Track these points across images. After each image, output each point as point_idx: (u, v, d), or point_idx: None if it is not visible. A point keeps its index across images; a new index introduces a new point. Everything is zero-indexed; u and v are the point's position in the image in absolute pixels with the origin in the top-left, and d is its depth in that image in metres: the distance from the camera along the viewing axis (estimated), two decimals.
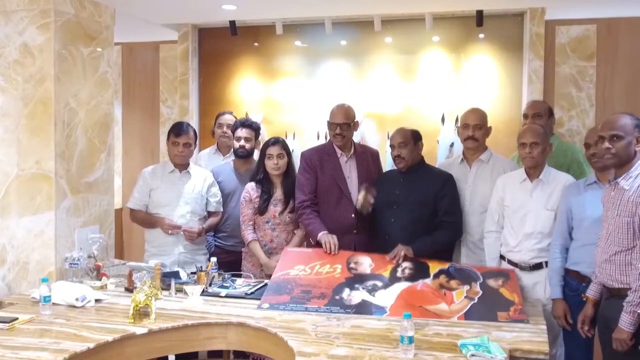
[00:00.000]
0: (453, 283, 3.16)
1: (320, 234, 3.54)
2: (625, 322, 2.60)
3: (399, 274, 3.28)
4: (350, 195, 3.68)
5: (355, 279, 3.26)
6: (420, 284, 3.18)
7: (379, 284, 3.21)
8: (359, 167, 3.74)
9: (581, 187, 3.17)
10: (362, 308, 3.01)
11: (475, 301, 3.00)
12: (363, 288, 3.17)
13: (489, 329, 2.70)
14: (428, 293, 3.10)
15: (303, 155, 3.84)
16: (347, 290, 3.16)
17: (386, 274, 3.28)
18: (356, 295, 3.11)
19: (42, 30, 3.47)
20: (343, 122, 3.67)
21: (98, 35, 3.83)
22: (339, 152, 3.74)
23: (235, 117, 4.49)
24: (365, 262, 3.40)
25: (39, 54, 3.48)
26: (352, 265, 3.39)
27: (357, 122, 3.81)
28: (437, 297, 3.06)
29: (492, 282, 3.14)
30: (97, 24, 3.82)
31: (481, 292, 3.07)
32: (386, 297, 3.09)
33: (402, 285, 3.18)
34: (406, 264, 3.34)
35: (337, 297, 3.10)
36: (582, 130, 4.62)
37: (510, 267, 3.33)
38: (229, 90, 5.41)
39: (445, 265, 3.31)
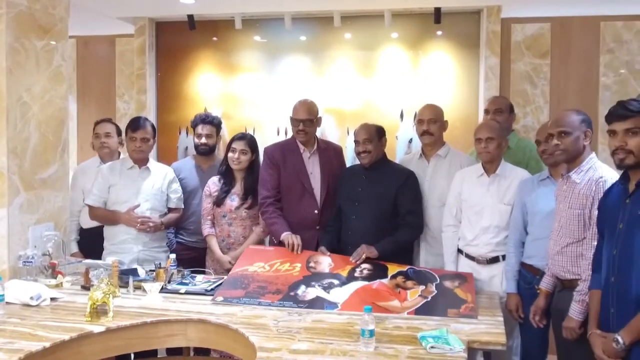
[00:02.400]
0: (409, 283, 3.17)
1: (283, 235, 3.53)
2: (574, 310, 2.67)
3: (356, 273, 3.28)
4: (313, 190, 3.69)
5: (313, 277, 3.26)
6: (376, 283, 3.18)
7: (335, 282, 3.21)
8: (322, 163, 3.74)
9: (534, 182, 3.24)
10: (315, 303, 3.00)
11: (429, 299, 3.02)
12: (319, 285, 3.17)
13: (448, 321, 2.73)
14: (382, 291, 3.11)
15: (266, 151, 3.82)
16: (302, 287, 3.16)
17: (344, 273, 3.29)
18: (311, 292, 3.11)
19: None
20: (306, 118, 3.66)
21: (52, 27, 3.73)
22: (301, 147, 3.74)
23: (116, 125, 4.34)
24: (324, 262, 3.40)
25: None
26: (311, 264, 3.39)
27: (320, 117, 3.81)
28: (391, 294, 3.07)
29: (448, 284, 3.16)
30: (50, 16, 3.72)
31: (435, 292, 3.09)
32: (340, 294, 3.09)
33: (358, 284, 3.18)
34: (365, 265, 3.34)
35: (292, 294, 3.10)
36: (536, 127, 4.68)
37: (469, 270, 3.36)
38: (187, 85, 5.36)
39: (404, 268, 3.32)
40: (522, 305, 3.20)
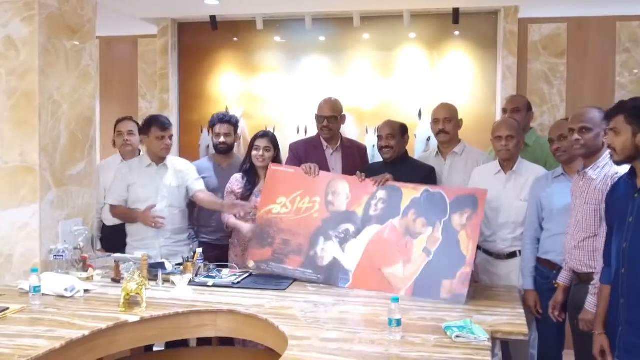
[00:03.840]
0: (418, 224, 3.23)
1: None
2: (590, 303, 2.72)
3: (372, 210, 3.35)
4: None
5: (331, 222, 3.39)
6: (388, 228, 3.28)
7: (351, 229, 3.34)
8: (344, 160, 3.85)
9: (549, 179, 3.29)
10: (331, 272, 3.28)
11: (431, 258, 3.13)
12: (336, 237, 3.33)
13: (470, 312, 2.80)
14: (390, 246, 3.24)
15: (291, 146, 3.97)
16: (321, 242, 3.36)
17: (360, 210, 3.38)
18: (328, 251, 3.34)
19: (26, 22, 3.45)
20: (330, 115, 3.79)
21: (81, 28, 3.82)
22: (324, 144, 3.85)
23: (137, 123, 4.38)
24: (342, 193, 3.46)
25: (23, 46, 3.46)
26: (330, 198, 3.46)
27: (344, 115, 3.91)
28: (398, 252, 3.20)
29: (456, 220, 3.17)
30: (79, 17, 3.81)
31: (441, 239, 3.15)
32: (354, 251, 3.29)
33: (372, 230, 3.30)
34: (381, 195, 3.37)
35: (312, 253, 3.35)
36: None
37: (487, 266, 3.46)
38: (208, 84, 5.45)
39: (418, 193, 3.31)
40: (540, 301, 3.24)
